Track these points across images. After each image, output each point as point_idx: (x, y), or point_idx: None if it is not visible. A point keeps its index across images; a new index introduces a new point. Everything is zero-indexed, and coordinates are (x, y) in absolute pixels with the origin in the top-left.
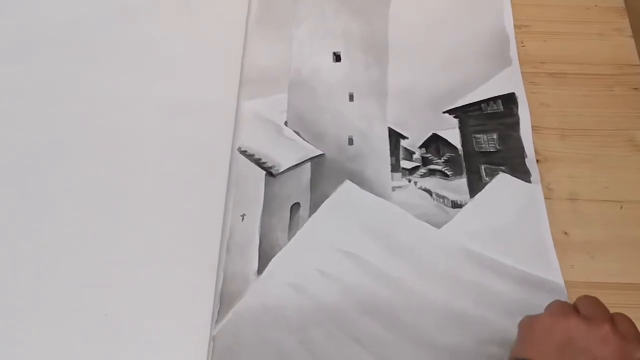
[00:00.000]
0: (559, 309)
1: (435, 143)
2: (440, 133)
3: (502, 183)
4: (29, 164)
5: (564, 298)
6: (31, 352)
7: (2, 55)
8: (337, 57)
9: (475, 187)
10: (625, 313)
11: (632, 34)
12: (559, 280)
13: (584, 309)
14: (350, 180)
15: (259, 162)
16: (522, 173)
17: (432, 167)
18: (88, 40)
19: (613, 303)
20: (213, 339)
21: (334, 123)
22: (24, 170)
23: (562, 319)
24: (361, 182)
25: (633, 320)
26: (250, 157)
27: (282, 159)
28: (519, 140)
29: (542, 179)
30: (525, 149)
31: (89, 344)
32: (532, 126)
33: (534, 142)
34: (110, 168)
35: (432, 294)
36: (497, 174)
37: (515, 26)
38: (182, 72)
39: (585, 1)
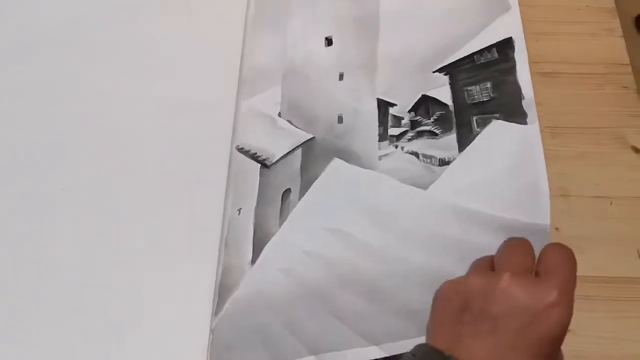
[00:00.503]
0: (472, 267)
1: (424, 104)
2: (429, 93)
3: (495, 131)
4: (28, 163)
5: (546, 241)
6: (32, 350)
7: (2, 55)
8: (329, 42)
9: (465, 140)
10: (616, 306)
11: (622, 34)
12: (545, 221)
13: (499, 261)
14: (339, 157)
15: (254, 157)
16: (517, 116)
17: (420, 128)
18: (87, 40)
19: (603, 296)
20: (212, 331)
21: (324, 105)
22: (23, 169)
23: (462, 280)
24: (349, 157)
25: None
26: (246, 153)
27: (276, 150)
28: (515, 83)
29: None
30: (522, 91)
31: (89, 340)
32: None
33: (533, 85)
34: (109, 167)
35: (415, 259)
36: (490, 122)
37: None
38: (181, 72)
39: (577, 2)
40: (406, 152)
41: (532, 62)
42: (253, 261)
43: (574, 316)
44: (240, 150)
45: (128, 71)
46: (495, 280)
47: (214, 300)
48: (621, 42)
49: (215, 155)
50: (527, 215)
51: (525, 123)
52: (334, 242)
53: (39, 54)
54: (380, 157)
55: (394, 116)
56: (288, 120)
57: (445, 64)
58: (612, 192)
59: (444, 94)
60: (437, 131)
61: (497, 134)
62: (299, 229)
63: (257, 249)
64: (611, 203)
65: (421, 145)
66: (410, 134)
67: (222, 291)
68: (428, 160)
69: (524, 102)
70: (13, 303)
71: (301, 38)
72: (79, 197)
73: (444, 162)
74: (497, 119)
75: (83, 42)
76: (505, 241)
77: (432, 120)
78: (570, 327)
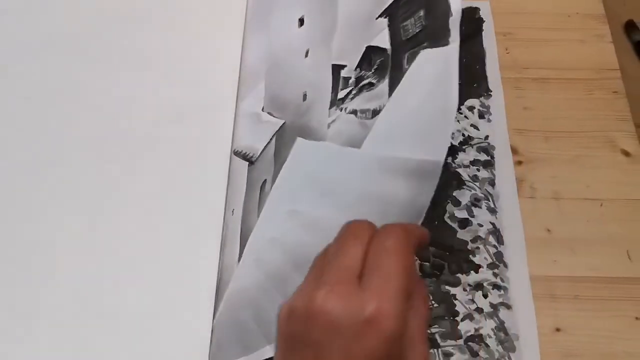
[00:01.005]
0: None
1: (368, 56)
2: (372, 42)
3: (420, 63)
4: (30, 167)
5: (435, 183)
6: (32, 350)
7: (5, 59)
8: (301, 22)
9: (395, 83)
10: (607, 305)
11: (611, 40)
12: (438, 158)
13: (325, 266)
14: (303, 136)
15: (245, 156)
16: (442, 38)
17: (362, 83)
18: (88, 45)
19: (594, 295)
20: (212, 331)
21: (292, 86)
22: (25, 172)
23: (291, 299)
24: (310, 133)
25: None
26: (240, 154)
27: (259, 144)
28: (444, 1)
29: (526, 179)
30: (451, 7)
31: (91, 340)
32: (516, 129)
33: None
34: (112, 171)
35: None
36: (418, 54)
37: (499, 33)
38: (183, 76)
39: (567, 9)
40: (348, 113)
41: (523, 68)
42: (239, 258)
43: (566, 315)
44: (235, 152)
45: (130, 74)
46: (311, 299)
47: (215, 301)
48: (611, 48)
49: (216, 158)
50: (432, 152)
51: (447, 44)
52: (291, 224)
53: (39, 58)
54: (329, 125)
55: (344, 78)
56: (269, 113)
57: (387, 5)
58: (602, 195)
59: (384, 39)
60: (374, 81)
61: (421, 66)
62: (267, 217)
63: (243, 245)
64: (602, 205)
65: (360, 101)
66: (353, 92)
67: (220, 291)
68: (363, 115)
69: (450, 20)
70: (12, 304)
71: (282, 29)
72: (82, 199)
73: (376, 113)
74: (425, 48)
75: (83, 46)
76: (340, 229)
77: (372, 71)
78: (562, 326)
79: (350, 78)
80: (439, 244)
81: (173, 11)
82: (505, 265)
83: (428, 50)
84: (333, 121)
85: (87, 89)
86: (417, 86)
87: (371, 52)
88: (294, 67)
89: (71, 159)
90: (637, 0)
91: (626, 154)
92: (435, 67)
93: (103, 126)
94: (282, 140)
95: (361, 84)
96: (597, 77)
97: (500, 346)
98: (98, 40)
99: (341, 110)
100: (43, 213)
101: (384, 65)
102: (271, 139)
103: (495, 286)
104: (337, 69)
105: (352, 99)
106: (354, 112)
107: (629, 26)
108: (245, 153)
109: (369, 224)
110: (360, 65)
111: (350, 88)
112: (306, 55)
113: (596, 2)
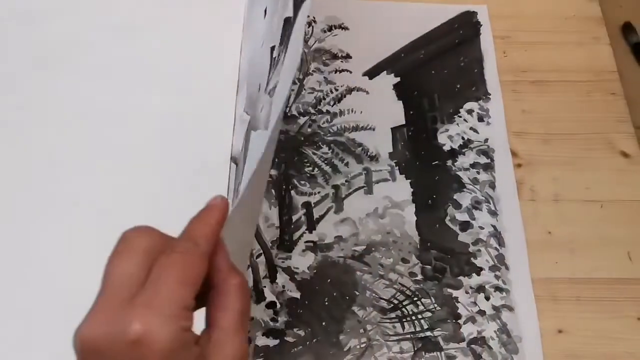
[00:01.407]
0: None
1: (284, 29)
2: (285, 14)
3: (299, 20)
4: (32, 171)
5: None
6: (33, 350)
7: (6, 67)
8: (265, 14)
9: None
10: (608, 306)
11: (609, 42)
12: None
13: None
14: (254, 129)
15: (235, 161)
16: None
17: (278, 59)
18: (88, 51)
19: (595, 297)
20: None
21: (254, 80)
22: (27, 178)
23: None
24: (257, 124)
25: None
26: (233, 159)
27: (241, 146)
28: None
29: (526, 182)
30: None
31: None
32: (515, 132)
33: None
34: (111, 177)
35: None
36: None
37: (497, 37)
38: (179, 83)
39: (564, 11)
40: (267, 94)
41: (521, 71)
42: None
43: (568, 317)
44: (231, 159)
45: (128, 83)
46: (79, 327)
47: None
48: (608, 50)
49: (217, 164)
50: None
51: None
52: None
53: (43, 64)
54: (261, 110)
55: (273, 59)
56: (246, 112)
57: None
58: (602, 196)
59: (290, 6)
60: (282, 54)
61: (300, 23)
62: (233, 220)
63: None
64: (602, 206)
65: (274, 79)
66: (273, 72)
67: None
68: (273, 93)
69: None
70: (12, 303)
71: (255, 24)
72: (83, 204)
73: (276, 86)
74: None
75: (85, 55)
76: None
77: (282, 44)
78: (565, 327)
79: (276, 57)
80: (440, 246)
81: (173, 18)
82: (507, 268)
83: (304, 4)
84: (262, 106)
85: (88, 95)
86: (290, 50)
87: (285, 24)
88: (254, 60)
89: (72, 164)
90: (634, 2)
91: (625, 155)
92: (297, 24)
93: (104, 131)
94: (248, 138)
95: (276, 61)
96: (595, 79)
97: (503, 348)
98: (99, 47)
99: (266, 92)
100: (45, 217)
101: (288, 34)
102: (244, 139)
103: (497, 288)
104: (271, 51)
105: (272, 79)
106: (270, 92)
107: (626, 28)
108: (235, 157)
109: (149, 231)
110: (280, 41)
111: (274, 68)
112: (262, 46)
113: (593, 5)
